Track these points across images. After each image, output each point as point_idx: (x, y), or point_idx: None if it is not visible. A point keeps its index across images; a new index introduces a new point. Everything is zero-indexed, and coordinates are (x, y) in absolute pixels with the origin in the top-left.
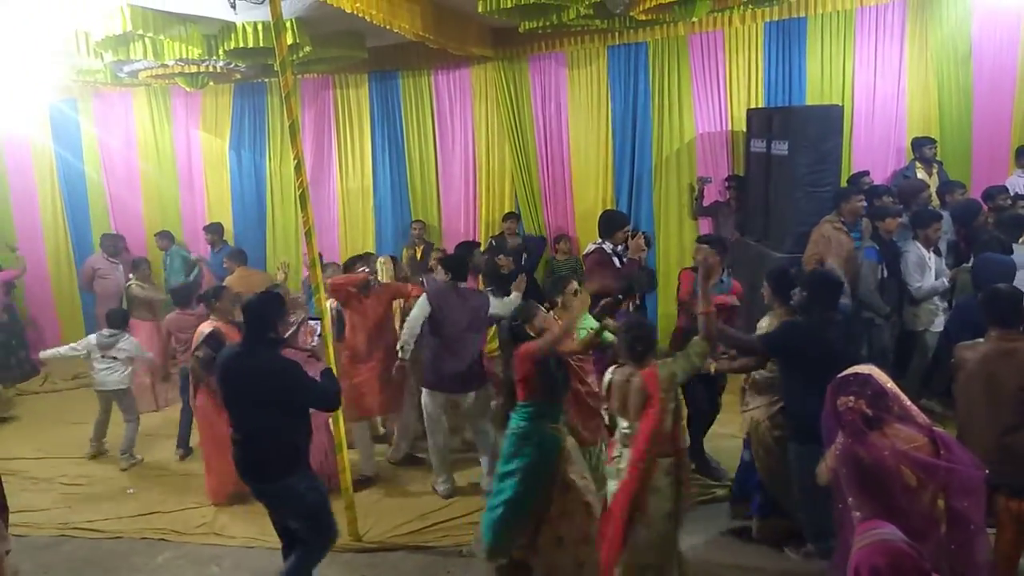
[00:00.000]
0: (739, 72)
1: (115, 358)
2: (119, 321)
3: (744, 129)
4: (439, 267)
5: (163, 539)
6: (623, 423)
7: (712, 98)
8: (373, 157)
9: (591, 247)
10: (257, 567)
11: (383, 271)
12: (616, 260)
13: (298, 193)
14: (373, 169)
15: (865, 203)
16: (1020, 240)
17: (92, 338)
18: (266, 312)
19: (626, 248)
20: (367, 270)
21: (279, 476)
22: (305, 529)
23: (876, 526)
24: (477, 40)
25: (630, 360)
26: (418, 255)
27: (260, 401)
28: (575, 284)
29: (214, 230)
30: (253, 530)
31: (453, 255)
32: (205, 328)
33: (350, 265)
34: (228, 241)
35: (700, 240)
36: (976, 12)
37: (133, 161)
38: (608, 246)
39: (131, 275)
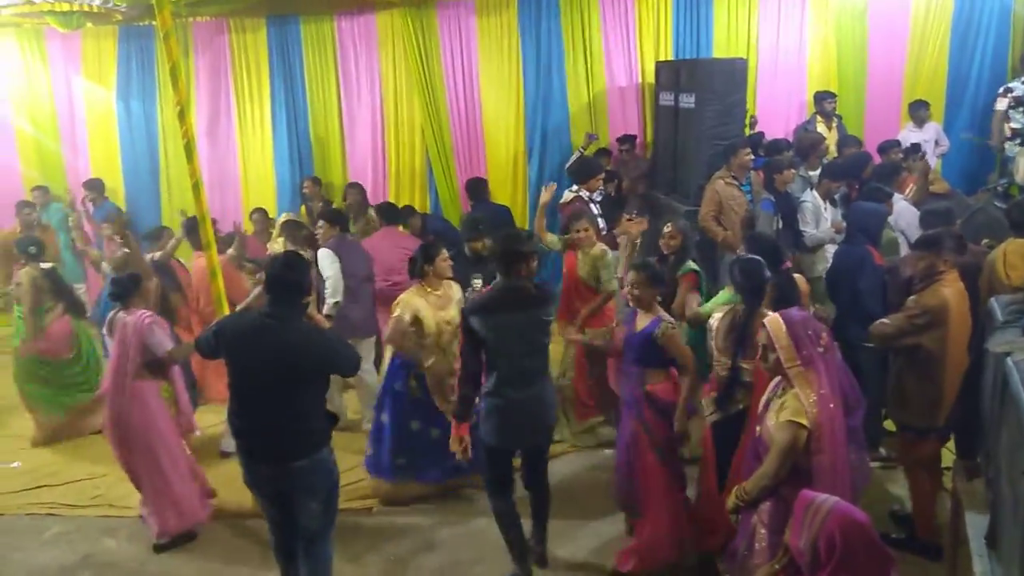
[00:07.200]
0: (648, 24)
1: None
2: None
3: (653, 82)
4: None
5: (51, 514)
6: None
7: (622, 50)
8: (273, 108)
9: (568, 195)
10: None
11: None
12: (595, 207)
13: (184, 143)
14: (273, 121)
15: (755, 157)
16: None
17: None
18: (298, 275)
19: (601, 195)
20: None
21: (315, 450)
22: (320, 513)
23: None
24: None
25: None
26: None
27: (298, 376)
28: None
29: (94, 186)
30: None
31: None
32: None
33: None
34: (109, 198)
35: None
36: None
37: (6, 113)
38: (585, 194)
39: None
